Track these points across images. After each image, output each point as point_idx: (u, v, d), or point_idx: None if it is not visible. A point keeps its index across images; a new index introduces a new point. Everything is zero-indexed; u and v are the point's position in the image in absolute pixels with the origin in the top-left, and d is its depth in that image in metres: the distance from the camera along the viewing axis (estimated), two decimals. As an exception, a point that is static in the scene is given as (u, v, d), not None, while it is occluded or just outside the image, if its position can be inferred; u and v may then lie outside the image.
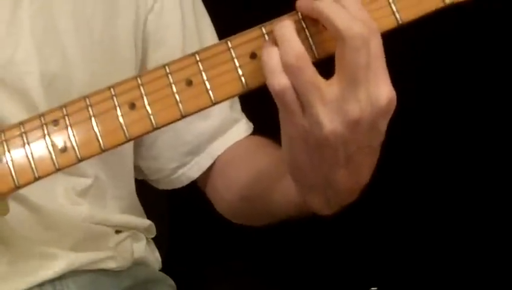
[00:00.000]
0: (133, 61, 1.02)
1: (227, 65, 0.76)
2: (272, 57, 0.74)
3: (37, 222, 0.96)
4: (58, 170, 0.78)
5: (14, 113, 0.90)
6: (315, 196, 0.81)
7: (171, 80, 0.76)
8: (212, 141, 1.06)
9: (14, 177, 0.78)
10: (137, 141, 1.07)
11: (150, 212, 1.13)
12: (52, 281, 0.97)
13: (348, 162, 0.77)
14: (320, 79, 0.74)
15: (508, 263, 1.76)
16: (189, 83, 0.76)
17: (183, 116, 0.77)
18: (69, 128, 0.78)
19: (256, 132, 1.10)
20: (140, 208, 1.11)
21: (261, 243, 1.78)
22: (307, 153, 0.77)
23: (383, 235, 1.83)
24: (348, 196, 0.81)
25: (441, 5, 0.76)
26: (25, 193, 0.93)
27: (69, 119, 0.78)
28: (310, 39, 0.75)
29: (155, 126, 0.77)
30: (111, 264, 1.02)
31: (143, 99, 0.77)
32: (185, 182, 1.09)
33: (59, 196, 0.98)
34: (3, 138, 0.79)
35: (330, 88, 0.74)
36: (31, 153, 0.78)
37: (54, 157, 0.78)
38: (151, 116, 0.77)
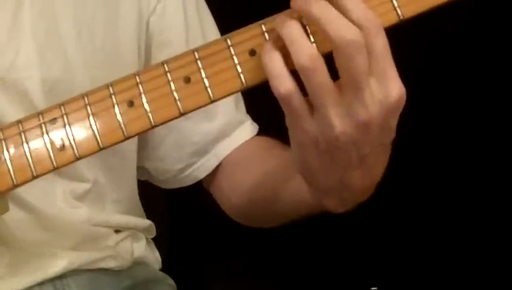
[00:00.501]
0: (136, 65, 1.02)
1: (226, 62, 0.75)
2: (274, 60, 0.73)
3: (36, 224, 0.96)
4: (56, 168, 0.78)
5: (16, 117, 0.89)
6: (330, 198, 0.81)
7: (170, 78, 0.76)
8: (217, 142, 1.06)
9: (12, 175, 0.78)
10: (143, 142, 1.07)
11: (149, 212, 1.13)
12: (52, 280, 0.97)
13: (362, 163, 0.76)
14: (331, 81, 0.73)
15: (508, 263, 1.75)
16: (188, 80, 0.76)
17: (181, 114, 0.76)
18: (68, 126, 0.77)
19: (261, 132, 1.09)
20: (141, 209, 1.11)
21: (261, 242, 1.78)
22: (318, 157, 0.76)
23: (383, 235, 1.83)
24: (364, 194, 0.81)
25: (442, 0, 0.76)
26: (23, 196, 0.94)
27: (67, 118, 0.78)
28: (310, 37, 0.74)
29: (153, 124, 0.77)
30: (111, 264, 1.02)
31: (141, 97, 0.76)
32: (191, 182, 1.09)
33: (58, 200, 0.98)
34: (1, 137, 0.79)
35: (339, 91, 0.73)
36: (29, 152, 0.78)
37: (52, 155, 0.77)
38: (150, 114, 0.76)
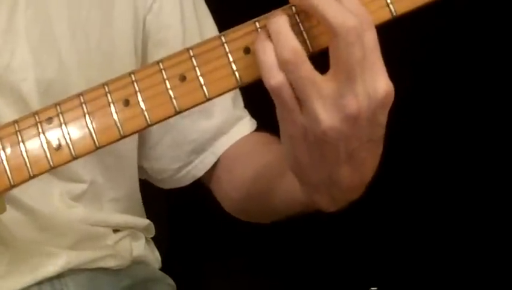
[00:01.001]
0: (133, 65, 1.02)
1: (221, 60, 0.75)
2: (266, 53, 0.73)
3: (33, 224, 0.97)
4: (53, 167, 0.78)
5: (11, 118, 0.89)
6: (320, 195, 0.81)
7: (165, 76, 0.76)
8: (216, 139, 1.06)
9: (9, 175, 0.78)
10: (141, 142, 1.07)
11: (149, 211, 1.13)
12: (50, 279, 0.97)
13: (350, 159, 0.76)
14: (317, 74, 0.73)
15: (508, 263, 1.75)
16: (183, 78, 0.76)
17: (177, 112, 0.76)
18: (64, 126, 0.77)
19: (260, 128, 1.09)
20: (141, 207, 1.11)
21: (260, 242, 1.78)
22: (307, 151, 0.76)
23: (383, 235, 1.83)
24: (354, 192, 0.81)
25: None
26: (20, 196, 0.94)
27: (63, 117, 0.77)
28: (304, 33, 0.75)
29: (149, 123, 0.77)
30: (110, 263, 1.02)
31: (137, 95, 0.76)
32: (190, 180, 1.09)
33: (54, 200, 0.99)
34: (-3, 137, 0.78)
35: (327, 83, 0.73)
36: (26, 152, 0.78)
37: (48, 155, 0.77)
38: (146, 113, 0.76)
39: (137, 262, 1.07)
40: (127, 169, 1.07)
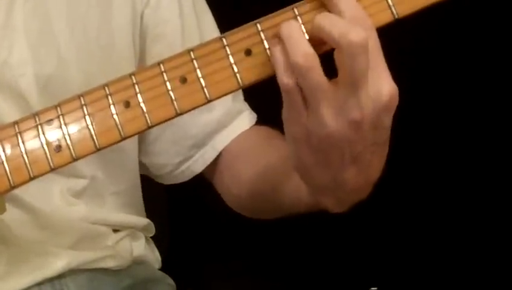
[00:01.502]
0: (132, 60, 1.02)
1: (222, 62, 0.75)
2: (282, 52, 0.73)
3: (34, 222, 0.96)
4: (53, 169, 0.78)
5: (10, 115, 0.90)
6: (326, 196, 0.81)
7: (166, 78, 0.76)
8: (216, 133, 1.06)
9: (9, 177, 0.78)
10: (141, 137, 1.07)
11: (149, 211, 1.12)
12: (51, 280, 0.97)
13: (355, 162, 0.76)
14: (325, 80, 0.73)
15: (508, 263, 1.75)
16: (184, 80, 0.76)
17: (178, 114, 0.76)
18: (64, 127, 0.77)
19: (260, 122, 1.09)
20: (141, 206, 1.11)
21: (261, 242, 1.78)
22: (311, 154, 0.77)
23: (383, 235, 1.83)
24: (359, 194, 0.81)
25: None
26: (20, 195, 0.94)
27: (63, 119, 0.77)
28: (306, 36, 0.74)
29: (150, 124, 0.77)
30: (110, 263, 1.02)
31: (137, 97, 0.76)
32: (190, 176, 1.09)
33: (55, 197, 0.98)
34: (-3, 138, 0.78)
35: (334, 89, 0.73)
36: (26, 153, 0.77)
37: (48, 156, 0.77)
38: (146, 114, 0.76)
39: (137, 262, 1.07)
40: (127, 163, 1.07)
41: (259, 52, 0.75)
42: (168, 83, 0.76)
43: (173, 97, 0.76)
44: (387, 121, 0.75)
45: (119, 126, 0.77)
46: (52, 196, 0.98)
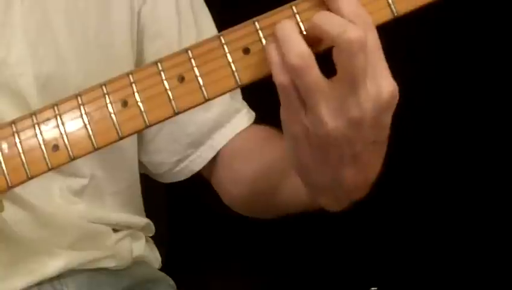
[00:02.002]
0: (131, 58, 1.02)
1: (220, 61, 0.75)
2: (277, 51, 0.73)
3: (33, 221, 0.96)
4: (50, 169, 0.77)
5: (9, 114, 0.89)
6: (324, 195, 0.81)
7: (164, 77, 0.76)
8: (213, 132, 1.06)
9: (7, 176, 0.77)
10: (138, 136, 1.07)
11: (149, 211, 1.13)
12: (51, 280, 0.97)
13: (354, 160, 0.76)
14: (323, 79, 0.73)
15: (508, 263, 1.75)
16: (182, 79, 0.76)
17: (176, 114, 0.76)
18: (61, 127, 0.77)
19: (258, 120, 1.09)
20: (141, 205, 1.11)
21: (261, 242, 1.78)
22: (310, 153, 0.76)
23: (383, 235, 1.83)
24: (358, 192, 0.81)
25: None
26: (20, 193, 0.93)
27: (61, 118, 0.77)
28: (304, 33, 0.74)
29: (148, 124, 0.76)
30: (110, 264, 1.02)
31: (135, 96, 0.76)
32: (188, 174, 1.08)
33: (55, 196, 0.98)
34: (-6, 138, 0.78)
35: (332, 88, 0.73)
36: (23, 153, 0.77)
37: (46, 156, 0.77)
38: (144, 114, 0.76)
39: (137, 262, 1.07)
40: (127, 162, 1.07)
41: (257, 51, 0.75)
42: (165, 82, 0.76)
43: (171, 96, 0.76)
44: (387, 119, 0.75)
45: (117, 125, 0.76)
46: (52, 194, 0.98)
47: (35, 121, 0.77)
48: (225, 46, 0.75)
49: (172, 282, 1.12)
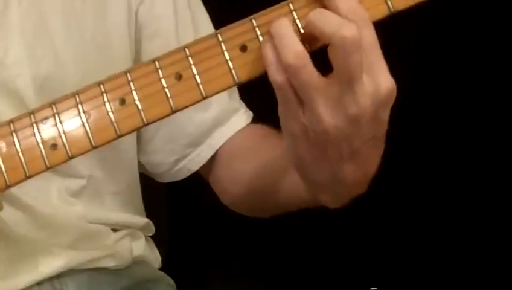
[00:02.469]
0: (128, 58, 1.02)
1: (217, 58, 0.75)
2: (273, 50, 0.73)
3: (32, 222, 0.96)
4: (49, 167, 0.77)
5: (7, 115, 0.89)
6: (324, 192, 0.81)
7: (161, 75, 0.76)
8: (212, 132, 1.06)
9: (5, 176, 0.77)
10: (137, 136, 1.07)
11: (149, 211, 1.13)
12: (50, 279, 0.97)
13: (354, 157, 0.76)
14: (319, 77, 0.73)
15: (508, 263, 1.75)
16: (179, 77, 0.75)
17: (173, 112, 0.76)
18: (59, 125, 0.77)
19: (256, 120, 1.09)
20: (141, 205, 1.11)
21: (261, 242, 1.78)
22: (309, 150, 0.76)
23: (383, 235, 1.83)
24: (357, 188, 0.81)
25: None
26: (18, 194, 0.93)
27: (59, 117, 0.77)
28: (301, 31, 0.74)
29: (146, 122, 0.76)
30: (110, 263, 1.02)
31: (133, 94, 0.76)
32: (187, 174, 1.08)
33: (53, 197, 0.99)
34: (-8, 137, 0.78)
35: (329, 85, 0.73)
36: (21, 152, 0.77)
37: (44, 155, 0.77)
38: (142, 112, 0.76)
39: (137, 262, 1.07)
40: (126, 162, 1.07)
41: (254, 48, 0.75)
42: (163, 80, 0.76)
43: (169, 94, 0.76)
44: (385, 115, 0.75)
45: (115, 124, 0.76)
46: (50, 195, 0.98)
47: (33, 119, 0.77)
48: (222, 44, 0.75)
49: (172, 282, 1.12)
